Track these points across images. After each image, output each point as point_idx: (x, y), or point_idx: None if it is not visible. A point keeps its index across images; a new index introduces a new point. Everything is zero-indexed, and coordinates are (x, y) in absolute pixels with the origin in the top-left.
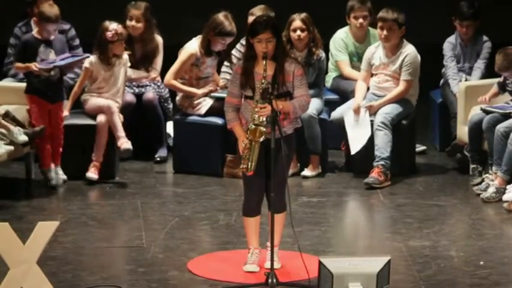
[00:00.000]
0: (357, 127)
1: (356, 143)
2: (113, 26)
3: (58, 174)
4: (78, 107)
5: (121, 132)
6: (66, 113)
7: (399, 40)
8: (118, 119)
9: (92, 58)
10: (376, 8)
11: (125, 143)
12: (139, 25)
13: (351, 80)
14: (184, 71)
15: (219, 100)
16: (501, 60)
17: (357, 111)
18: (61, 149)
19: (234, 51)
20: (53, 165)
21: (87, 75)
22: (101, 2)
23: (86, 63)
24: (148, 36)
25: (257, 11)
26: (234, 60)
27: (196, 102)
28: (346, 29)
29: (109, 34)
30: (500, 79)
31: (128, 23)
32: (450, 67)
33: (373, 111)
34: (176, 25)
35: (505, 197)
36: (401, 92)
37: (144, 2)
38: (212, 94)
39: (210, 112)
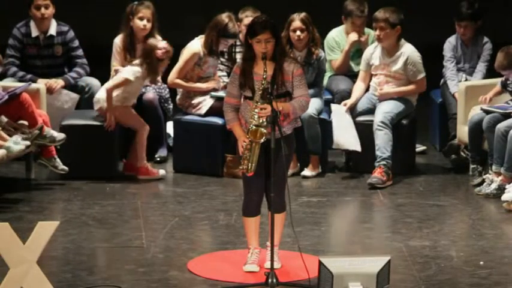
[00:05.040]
0: (345, 129)
1: (355, 143)
2: (162, 45)
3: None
4: (80, 106)
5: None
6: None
7: (396, 40)
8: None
9: (138, 72)
10: (377, 7)
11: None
12: (150, 25)
13: (344, 76)
14: (187, 70)
15: (220, 100)
16: (502, 59)
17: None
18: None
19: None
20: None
21: (124, 85)
22: (100, 3)
23: (129, 75)
24: (152, 36)
25: (248, 14)
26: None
27: (197, 101)
28: (340, 28)
29: (159, 52)
30: (503, 78)
31: (139, 22)
32: (449, 68)
33: (384, 96)
34: (176, 25)
35: (504, 197)
36: (415, 89)
37: (148, 0)
38: (213, 94)
39: (210, 112)
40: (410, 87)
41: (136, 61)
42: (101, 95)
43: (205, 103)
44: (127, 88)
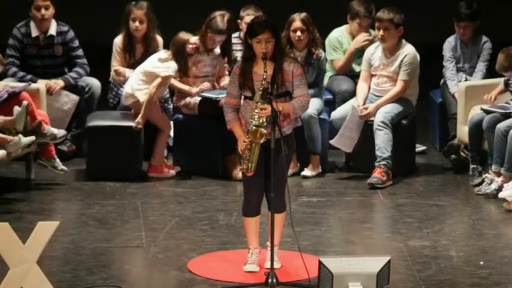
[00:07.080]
0: (350, 130)
1: (348, 145)
2: (193, 40)
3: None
4: (80, 107)
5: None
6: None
7: (397, 40)
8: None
9: (175, 66)
10: (376, 8)
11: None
12: (143, 26)
13: (345, 76)
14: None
15: (206, 99)
16: (502, 60)
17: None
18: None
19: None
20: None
21: (165, 82)
22: (100, 3)
23: (171, 72)
24: (150, 37)
25: (249, 12)
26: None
27: (188, 101)
28: (342, 28)
29: (189, 47)
30: (505, 77)
31: (131, 24)
32: (449, 68)
33: (371, 114)
34: (176, 25)
35: (501, 195)
36: (398, 92)
37: (146, 1)
38: (200, 93)
39: (208, 112)
40: (393, 92)
41: (167, 56)
42: (130, 89)
43: (194, 100)
44: (166, 84)
